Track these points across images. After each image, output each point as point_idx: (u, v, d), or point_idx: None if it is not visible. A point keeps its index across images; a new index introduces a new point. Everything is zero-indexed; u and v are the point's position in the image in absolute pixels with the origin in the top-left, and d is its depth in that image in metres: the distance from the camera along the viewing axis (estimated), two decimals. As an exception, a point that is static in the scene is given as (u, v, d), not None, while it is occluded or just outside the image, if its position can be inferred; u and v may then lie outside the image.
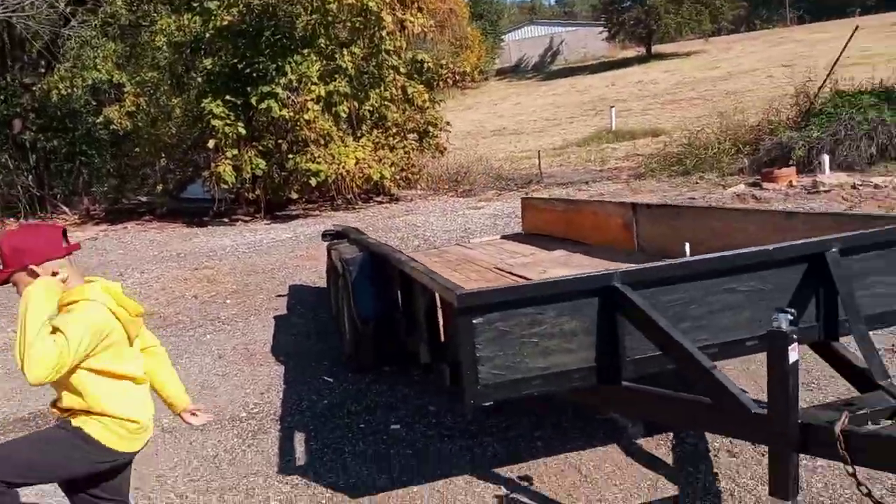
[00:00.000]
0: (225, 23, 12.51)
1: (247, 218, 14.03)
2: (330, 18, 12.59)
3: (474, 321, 2.65)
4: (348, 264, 4.76)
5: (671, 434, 3.64)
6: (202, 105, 12.53)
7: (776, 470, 2.33)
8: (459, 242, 7.91)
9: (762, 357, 3.29)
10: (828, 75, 13.19)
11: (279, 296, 7.79)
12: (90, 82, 15.15)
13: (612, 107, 21.47)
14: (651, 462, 3.42)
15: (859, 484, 2.21)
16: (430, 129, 14.76)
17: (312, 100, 12.29)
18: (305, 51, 12.58)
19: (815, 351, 3.25)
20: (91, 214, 15.98)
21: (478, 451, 3.73)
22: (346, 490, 3.48)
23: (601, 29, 47.02)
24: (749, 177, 12.31)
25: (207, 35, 12.91)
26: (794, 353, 2.19)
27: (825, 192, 10.51)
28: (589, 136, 20.51)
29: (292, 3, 12.48)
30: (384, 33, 12.79)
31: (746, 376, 4.07)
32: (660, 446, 3.56)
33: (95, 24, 15.32)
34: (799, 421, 2.28)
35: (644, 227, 5.33)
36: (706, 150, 14.02)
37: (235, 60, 12.63)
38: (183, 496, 3.63)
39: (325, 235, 6.71)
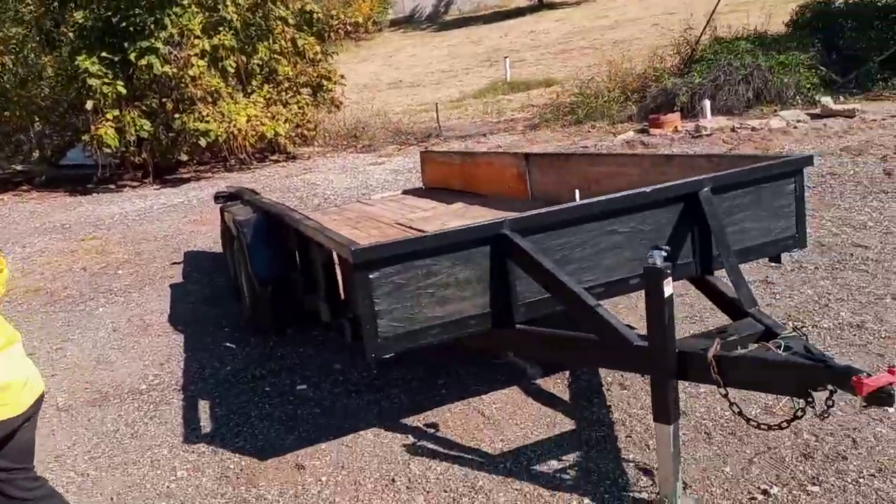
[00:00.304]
0: (95, -27, 11.66)
1: (134, 183, 13.35)
2: (210, -33, 11.95)
3: (371, 276, 2.68)
4: (242, 226, 4.65)
5: (567, 373, 3.83)
6: (76, 63, 11.69)
7: (658, 397, 2.51)
8: (360, 199, 7.85)
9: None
10: (707, 23, 13.76)
11: (174, 263, 7.53)
12: (-55, 40, 13.80)
13: (505, 58, 21.61)
14: (549, 400, 3.59)
15: (731, 404, 2.42)
16: (324, 82, 14.40)
17: (196, 55, 11.70)
18: (186, 1, 11.90)
19: (694, 285, 3.48)
20: (-41, 187, 14.79)
21: (384, 403, 3.80)
22: (255, 453, 3.47)
23: (493, -22, 46.91)
24: (638, 124, 12.75)
25: (75, -14, 12.01)
26: (668, 287, 2.35)
27: (707, 135, 11.03)
28: (485, 88, 20.60)
29: (169, -50, 11.72)
30: (267, -18, 12.27)
31: (635, 313, 4.31)
32: (557, 385, 3.74)
33: (-55, -25, 13.90)
34: (676, 350, 2.46)
35: (536, 176, 5.47)
36: (597, 99, 14.39)
37: (109, 13, 11.78)
38: (84, 474, 3.52)
39: (217, 197, 6.50)
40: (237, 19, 12.50)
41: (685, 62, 13.72)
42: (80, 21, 11.91)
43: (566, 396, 3.62)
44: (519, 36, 32.62)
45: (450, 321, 2.85)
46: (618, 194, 3.00)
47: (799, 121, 11.10)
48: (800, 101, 12.22)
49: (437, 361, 4.11)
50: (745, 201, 3.24)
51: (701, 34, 13.72)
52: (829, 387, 2.14)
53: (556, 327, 3.00)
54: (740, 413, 2.41)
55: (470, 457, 3.18)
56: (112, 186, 13.24)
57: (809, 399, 2.21)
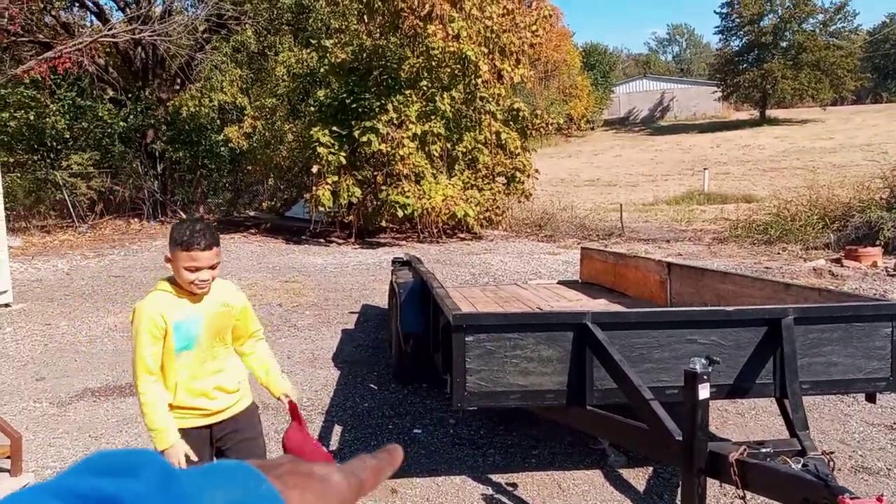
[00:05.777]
0: (338, 60, 13.75)
1: (340, 241, 15.10)
2: (433, 63, 13.58)
3: (466, 338, 3.27)
4: (400, 287, 5.46)
5: (650, 468, 4.08)
6: (311, 133, 13.75)
7: (685, 489, 2.80)
8: (517, 283, 8.48)
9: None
10: (926, 158, 12.97)
11: (351, 312, 8.60)
12: (216, 103, 16.85)
13: (705, 169, 21.49)
14: (623, 487, 3.88)
15: (746, 505, 2.66)
16: (517, 174, 15.42)
17: (408, 137, 13.26)
18: (408, 91, 13.60)
19: (778, 405, 3.65)
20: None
21: (480, 459, 4.30)
22: (363, 474, 4.13)
23: (714, 89, 46.62)
24: (834, 252, 12.24)
25: (322, 70, 14.19)
26: (704, 390, 2.68)
27: (905, 275, 10.37)
28: (680, 196, 20.62)
29: (401, 46, 13.56)
30: (479, 81, 13.64)
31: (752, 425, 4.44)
32: (637, 476, 4.01)
33: (226, 51, 17.06)
34: (707, 449, 2.76)
35: (675, 284, 5.77)
36: (793, 222, 14.00)
37: (344, 95, 13.80)
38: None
39: (394, 262, 7.46)
40: (450, 111, 13.98)
41: (896, 196, 12.98)
42: (321, 98, 14.04)
43: (641, 487, 3.88)
44: (731, 148, 32.07)
45: (529, 391, 3.33)
46: (697, 308, 3.35)
47: None
48: None
49: (539, 435, 4.55)
50: (833, 336, 3.42)
51: (918, 169, 12.96)
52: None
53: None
54: (753, 515, 2.64)
55: (534, 516, 3.59)
56: (322, 241, 15.08)
57: (809, 512, 2.41)
